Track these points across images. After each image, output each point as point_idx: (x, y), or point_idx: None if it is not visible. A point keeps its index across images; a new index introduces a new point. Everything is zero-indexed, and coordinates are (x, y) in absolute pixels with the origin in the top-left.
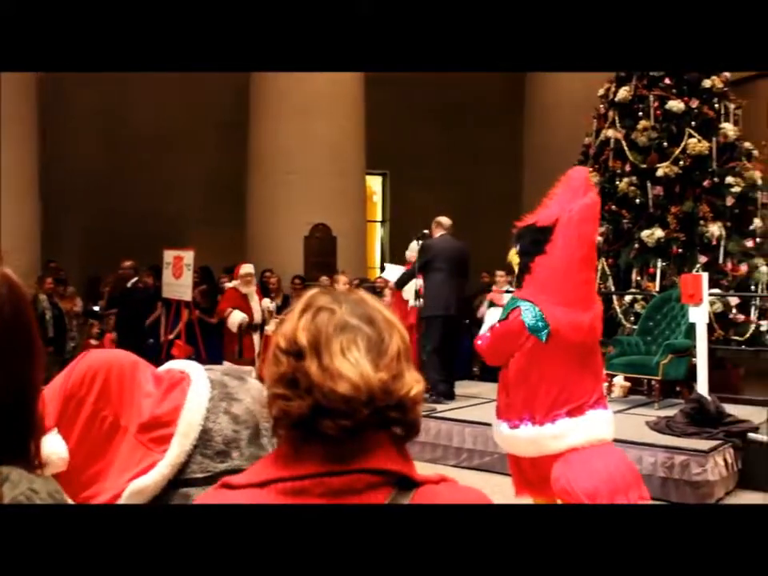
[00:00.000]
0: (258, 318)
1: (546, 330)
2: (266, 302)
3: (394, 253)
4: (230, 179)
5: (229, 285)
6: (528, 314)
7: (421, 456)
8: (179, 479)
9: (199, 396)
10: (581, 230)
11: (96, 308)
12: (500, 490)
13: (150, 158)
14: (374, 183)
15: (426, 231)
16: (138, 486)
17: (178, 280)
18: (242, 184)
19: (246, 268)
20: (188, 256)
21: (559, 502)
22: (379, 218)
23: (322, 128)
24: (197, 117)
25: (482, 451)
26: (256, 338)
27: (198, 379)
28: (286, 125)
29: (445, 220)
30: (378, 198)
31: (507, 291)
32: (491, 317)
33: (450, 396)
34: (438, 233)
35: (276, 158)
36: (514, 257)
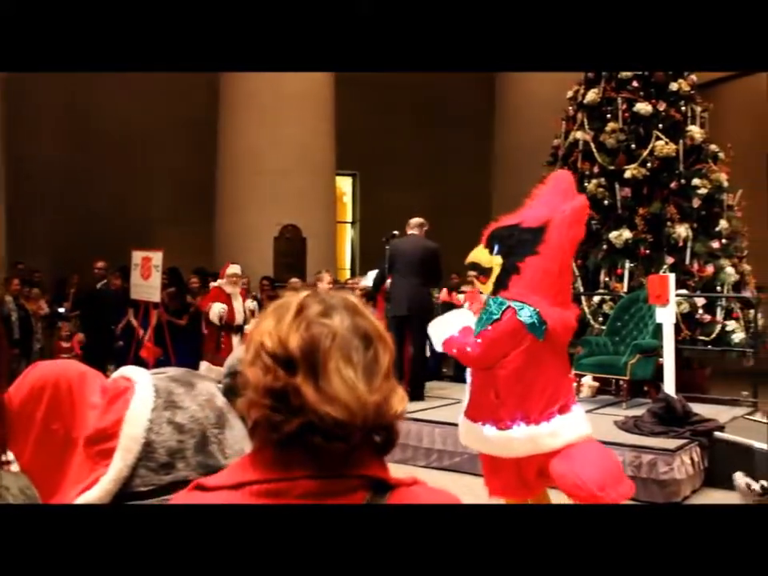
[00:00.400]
0: (239, 319)
1: (543, 328)
2: (249, 302)
3: (364, 254)
4: (200, 179)
5: (214, 284)
6: (524, 313)
7: (390, 457)
8: (125, 493)
9: (142, 407)
10: (573, 232)
11: (61, 309)
12: (470, 491)
13: (118, 158)
14: (344, 184)
15: (395, 232)
16: (84, 501)
17: (147, 281)
18: (212, 184)
19: (234, 268)
20: (156, 257)
21: (566, 499)
22: (349, 218)
23: (292, 128)
24: (166, 116)
25: (452, 452)
26: (236, 339)
27: (142, 388)
28: (256, 124)
29: (413, 220)
30: (348, 199)
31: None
32: (455, 319)
33: (414, 397)
34: (407, 232)
35: (245, 157)
36: (488, 257)
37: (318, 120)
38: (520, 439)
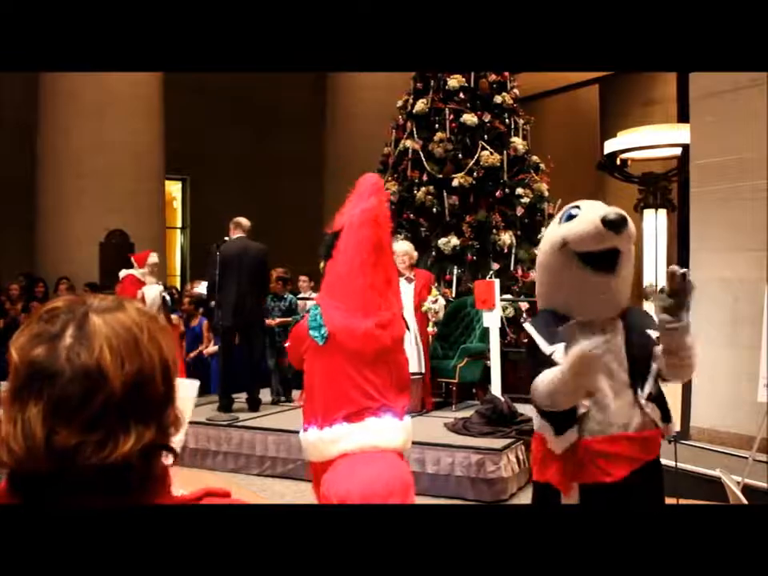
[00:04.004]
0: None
1: (322, 332)
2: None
3: (194, 260)
4: (20, 182)
5: (128, 271)
6: (311, 316)
7: (223, 466)
8: None
9: None
10: (359, 235)
11: None
12: (303, 497)
13: None
14: (174, 188)
15: (226, 238)
16: None
17: None
18: (33, 187)
19: (155, 257)
20: None
21: None
22: (179, 224)
23: (118, 130)
24: None
25: (285, 459)
26: None
27: None
28: (79, 125)
29: (243, 221)
30: (178, 204)
31: (307, 298)
32: None
33: (250, 407)
34: (235, 234)
35: (68, 159)
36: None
37: (145, 121)
38: (310, 443)
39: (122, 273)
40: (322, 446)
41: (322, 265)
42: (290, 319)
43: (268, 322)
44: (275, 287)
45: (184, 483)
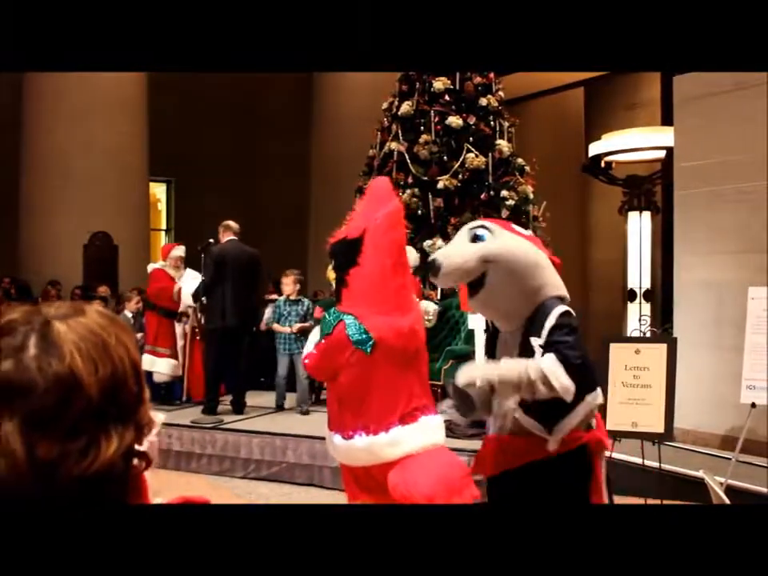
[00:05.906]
0: (182, 305)
1: (370, 342)
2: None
3: None
4: (2, 183)
5: (154, 265)
6: (352, 328)
7: (208, 469)
8: None
9: None
10: (389, 237)
11: None
12: (287, 499)
13: None
14: (159, 190)
15: (210, 240)
16: None
17: None
18: (16, 189)
19: (180, 250)
20: None
21: None
22: (164, 226)
23: (102, 132)
24: None
25: (270, 461)
26: (179, 328)
27: None
28: (63, 127)
29: (234, 224)
30: (162, 206)
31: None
32: (316, 334)
33: (236, 410)
34: (226, 237)
35: (52, 161)
36: (330, 273)
37: (129, 124)
38: (361, 449)
39: (150, 267)
40: (379, 451)
41: (331, 274)
42: (308, 324)
43: (283, 328)
44: (294, 290)
45: (169, 487)
